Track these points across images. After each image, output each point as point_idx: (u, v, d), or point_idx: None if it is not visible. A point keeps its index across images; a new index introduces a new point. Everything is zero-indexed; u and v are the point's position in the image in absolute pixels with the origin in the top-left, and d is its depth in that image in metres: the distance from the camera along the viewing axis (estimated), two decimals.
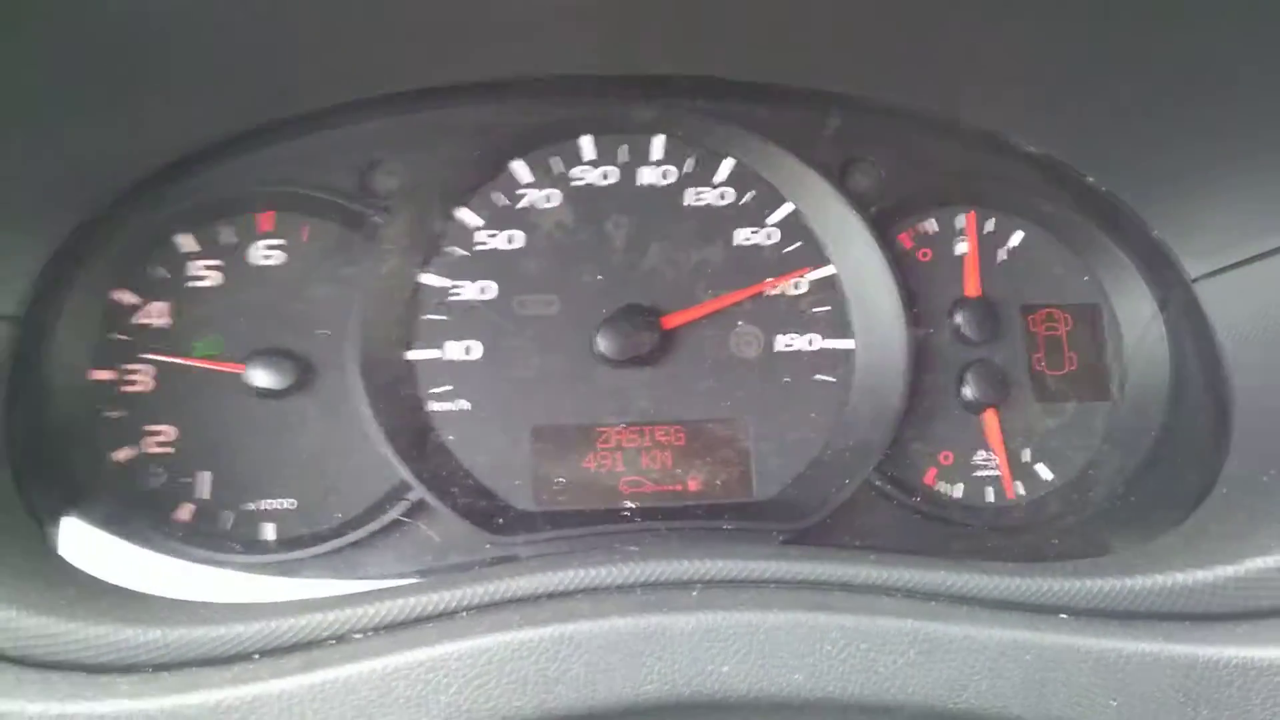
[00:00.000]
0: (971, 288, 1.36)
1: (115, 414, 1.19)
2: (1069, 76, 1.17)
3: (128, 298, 1.22)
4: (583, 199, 1.32)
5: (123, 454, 1.18)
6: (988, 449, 1.33)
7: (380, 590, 0.93)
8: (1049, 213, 1.38)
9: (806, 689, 0.90)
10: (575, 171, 1.33)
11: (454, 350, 1.26)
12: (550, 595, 0.93)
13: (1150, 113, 1.16)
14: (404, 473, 1.17)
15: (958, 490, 1.32)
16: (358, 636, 0.88)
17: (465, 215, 1.30)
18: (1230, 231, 1.22)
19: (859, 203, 1.32)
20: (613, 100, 1.32)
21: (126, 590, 0.98)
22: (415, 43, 1.18)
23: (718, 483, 1.28)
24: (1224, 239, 1.23)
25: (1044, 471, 1.34)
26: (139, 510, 1.16)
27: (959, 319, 1.34)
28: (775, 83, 1.33)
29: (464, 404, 1.25)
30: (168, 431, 1.20)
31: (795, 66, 1.30)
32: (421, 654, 0.85)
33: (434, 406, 1.25)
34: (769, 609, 0.92)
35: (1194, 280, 1.28)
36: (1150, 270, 1.34)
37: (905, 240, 1.37)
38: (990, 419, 1.33)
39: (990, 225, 1.39)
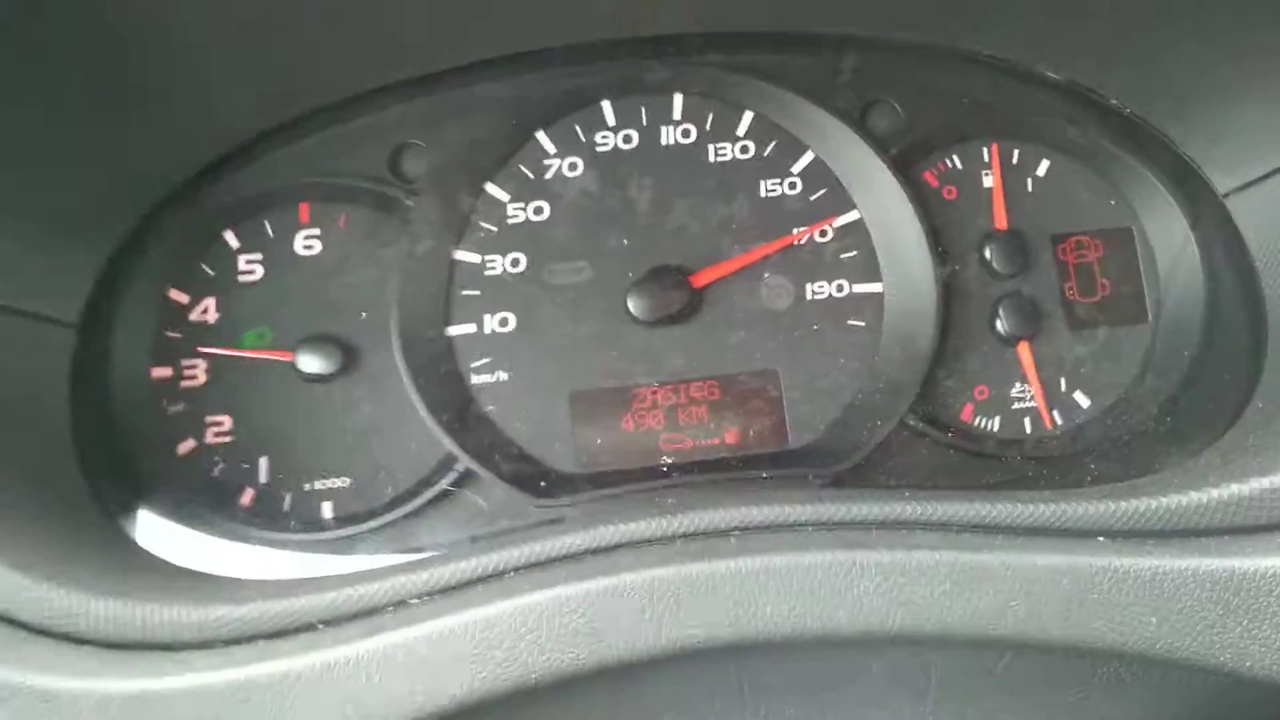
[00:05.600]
0: (999, 220, 1.36)
1: (176, 409, 1.25)
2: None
3: (180, 296, 1.28)
4: (607, 164, 1.34)
5: (185, 446, 1.25)
6: (1023, 381, 1.33)
7: (433, 557, 0.97)
8: (1074, 139, 1.36)
9: (847, 625, 0.93)
10: (598, 137, 1.35)
11: (490, 323, 1.30)
12: (593, 551, 0.97)
13: (1170, 29, 1.15)
14: (449, 445, 1.22)
15: (995, 424, 1.33)
16: (414, 602, 0.93)
17: (494, 190, 1.32)
18: (1258, 143, 1.20)
19: (880, 145, 1.32)
20: (629, 63, 1.33)
21: (196, 572, 1.05)
22: (431, 25, 1.20)
23: (753, 434, 1.30)
24: (1252, 151, 1.21)
25: (1081, 399, 1.34)
26: (203, 498, 1.22)
27: (988, 253, 1.34)
28: (787, 30, 1.33)
29: (503, 375, 1.29)
30: (225, 421, 1.26)
31: (806, 12, 1.30)
32: (474, 614, 0.88)
33: (474, 379, 1.29)
34: (806, 550, 0.94)
35: (1225, 195, 1.27)
36: (1180, 189, 1.32)
37: (930, 178, 1.36)
38: (1024, 351, 1.33)
39: (1015, 156, 1.38)
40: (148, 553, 1.09)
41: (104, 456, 1.16)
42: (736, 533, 0.98)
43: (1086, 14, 1.19)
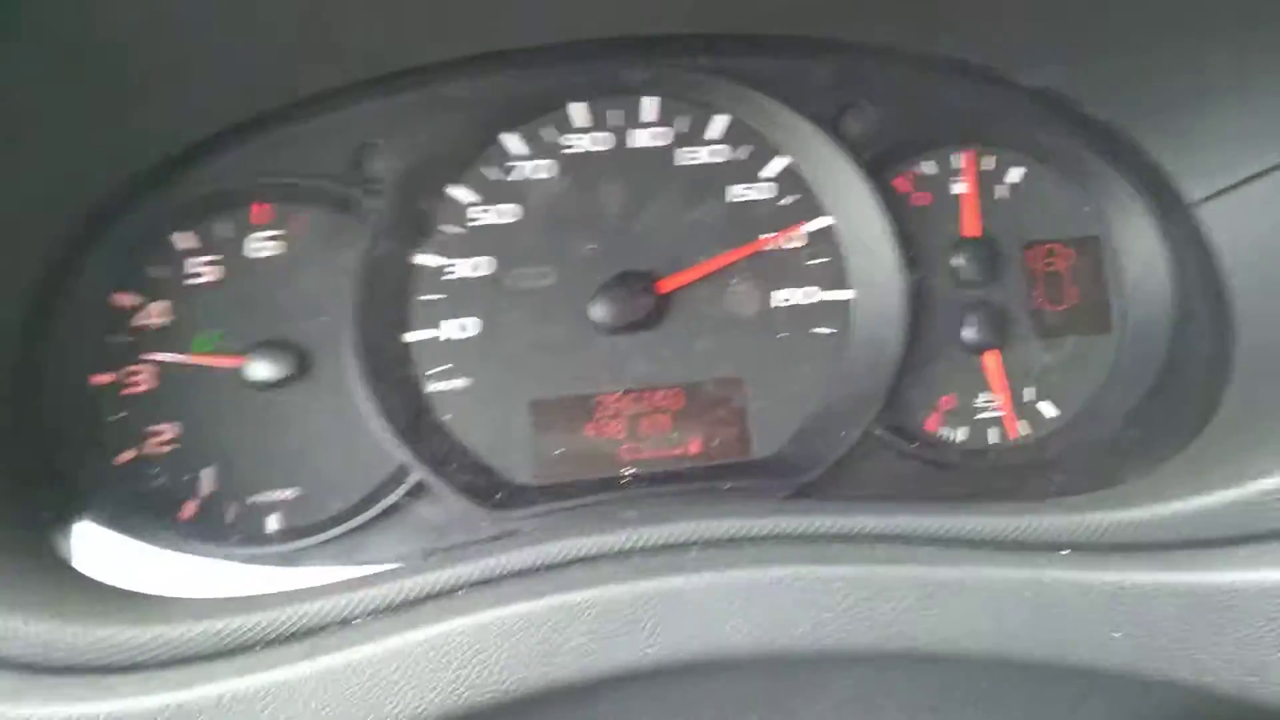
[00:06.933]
0: (970, 228, 1.34)
1: (116, 417, 1.20)
2: (1064, 7, 1.14)
3: (127, 299, 1.23)
4: (576, 167, 1.31)
5: (125, 456, 1.20)
6: (990, 390, 1.32)
7: (380, 573, 0.94)
8: (1048, 146, 1.36)
9: (809, 641, 0.91)
10: (567, 139, 1.31)
11: (450, 329, 1.27)
12: (548, 567, 0.94)
13: (1146, 39, 1.14)
14: (403, 455, 1.19)
15: (961, 434, 1.32)
16: (359, 620, 0.89)
17: (458, 192, 1.29)
18: (1228, 152, 1.20)
19: (853, 150, 1.30)
20: (602, 64, 1.30)
21: (128, 591, 1.00)
22: (394, 23, 1.17)
23: (717, 443, 1.28)
24: (1222, 160, 1.21)
25: (1048, 409, 1.33)
26: (143, 510, 1.17)
27: (958, 261, 1.33)
28: (764, 33, 1.30)
29: (462, 382, 1.26)
30: (169, 430, 1.21)
31: (784, 15, 1.27)
32: (422, 633, 0.86)
33: (432, 386, 1.25)
34: (768, 565, 0.92)
35: (1194, 204, 1.26)
36: (1151, 198, 1.32)
37: (902, 184, 1.35)
38: (992, 360, 1.32)
39: (989, 163, 1.36)
40: (78, 570, 1.04)
41: (39, 466, 1.12)
42: (696, 546, 0.96)
43: (1061, 21, 1.18)
